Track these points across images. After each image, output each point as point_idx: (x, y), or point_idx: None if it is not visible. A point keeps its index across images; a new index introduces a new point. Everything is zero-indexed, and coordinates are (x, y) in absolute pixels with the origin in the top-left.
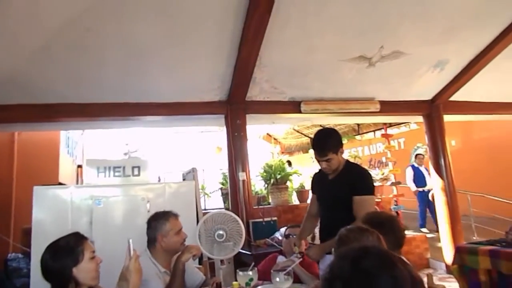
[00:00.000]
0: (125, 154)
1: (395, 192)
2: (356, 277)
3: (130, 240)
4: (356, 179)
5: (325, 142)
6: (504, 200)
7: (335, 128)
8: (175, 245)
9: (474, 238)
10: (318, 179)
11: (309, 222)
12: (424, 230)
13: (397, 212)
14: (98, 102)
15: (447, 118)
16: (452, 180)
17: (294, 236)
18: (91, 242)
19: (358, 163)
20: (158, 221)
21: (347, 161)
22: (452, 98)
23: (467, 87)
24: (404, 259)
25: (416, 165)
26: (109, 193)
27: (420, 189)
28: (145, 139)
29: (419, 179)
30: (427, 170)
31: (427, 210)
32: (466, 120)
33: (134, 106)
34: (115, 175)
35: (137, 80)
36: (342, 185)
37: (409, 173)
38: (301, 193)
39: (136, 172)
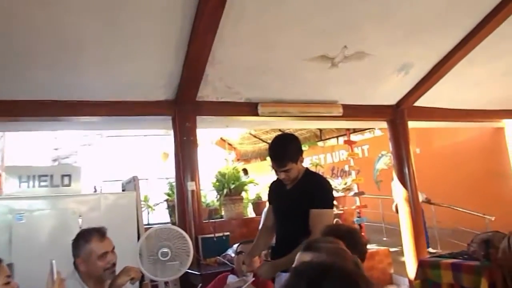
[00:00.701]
0: (54, 160)
1: (358, 203)
2: None
3: (53, 262)
4: (314, 190)
5: (284, 150)
6: (468, 211)
7: (296, 133)
8: (96, 271)
9: (436, 251)
10: (275, 188)
11: (263, 237)
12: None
13: (359, 225)
14: (22, 99)
15: (411, 124)
16: (415, 190)
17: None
18: (6, 266)
19: (319, 172)
20: (78, 242)
21: (307, 169)
22: (417, 104)
23: (431, 93)
24: (367, 277)
25: None
26: (33, 206)
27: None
28: (78, 143)
29: None
30: None
31: None
32: (430, 127)
33: (65, 104)
34: (41, 185)
35: (69, 75)
36: (299, 196)
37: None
38: (257, 204)
39: (66, 182)
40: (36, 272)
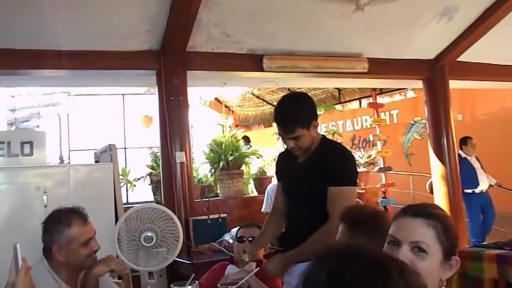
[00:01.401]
0: (10, 124)
1: (383, 181)
2: None
3: (18, 246)
4: (333, 163)
5: (292, 112)
6: None
7: (308, 93)
8: (78, 260)
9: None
10: (284, 162)
11: (273, 222)
12: None
13: (385, 207)
14: None
15: (452, 84)
16: (456, 166)
17: (250, 240)
18: None
19: (338, 141)
20: (55, 226)
21: (323, 137)
22: (460, 59)
23: (479, 46)
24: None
25: (463, 154)
26: None
27: (469, 191)
28: (40, 103)
29: (468, 175)
30: (479, 161)
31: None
32: (475, 88)
33: (24, 54)
34: None
35: (30, 19)
36: (314, 171)
37: None
38: (260, 181)
39: (27, 150)
40: None
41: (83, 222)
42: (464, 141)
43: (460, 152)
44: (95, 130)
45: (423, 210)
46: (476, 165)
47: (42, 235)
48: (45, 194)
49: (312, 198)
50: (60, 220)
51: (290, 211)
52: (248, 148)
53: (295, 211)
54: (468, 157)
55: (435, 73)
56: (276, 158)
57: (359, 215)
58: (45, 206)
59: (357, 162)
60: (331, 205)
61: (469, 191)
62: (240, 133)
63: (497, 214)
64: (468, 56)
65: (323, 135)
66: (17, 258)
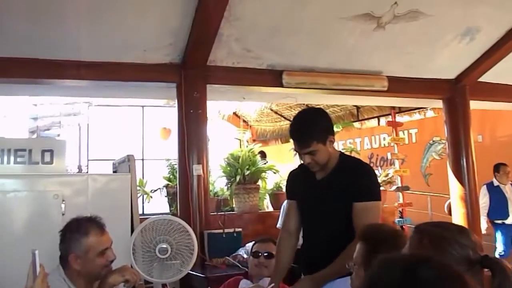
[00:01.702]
0: (32, 132)
1: (401, 201)
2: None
3: (36, 252)
4: (357, 178)
5: (308, 126)
6: None
7: (326, 110)
8: (94, 270)
9: None
10: (299, 179)
11: (286, 250)
12: None
13: (402, 227)
14: None
15: (473, 105)
16: (475, 186)
17: (266, 255)
18: None
19: (356, 157)
20: (73, 235)
21: (341, 153)
22: (482, 79)
23: (501, 66)
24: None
25: (496, 182)
26: (7, 186)
27: (499, 221)
28: (61, 113)
29: (498, 205)
30: None
31: None
32: (497, 109)
33: (47, 64)
34: (17, 162)
35: (53, 29)
36: (337, 187)
37: (482, 196)
38: (276, 196)
39: (47, 159)
40: (7, 265)
41: (100, 231)
42: (497, 168)
43: (493, 180)
44: (114, 141)
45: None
46: (509, 194)
47: (60, 243)
48: (63, 202)
49: (335, 216)
50: (78, 229)
51: (310, 230)
52: (264, 163)
53: (315, 230)
54: (501, 186)
55: (456, 93)
56: (289, 174)
57: (378, 234)
58: (63, 214)
59: None
60: (358, 221)
61: (499, 221)
62: (257, 147)
63: None
64: (489, 76)
65: (340, 151)
66: (35, 264)
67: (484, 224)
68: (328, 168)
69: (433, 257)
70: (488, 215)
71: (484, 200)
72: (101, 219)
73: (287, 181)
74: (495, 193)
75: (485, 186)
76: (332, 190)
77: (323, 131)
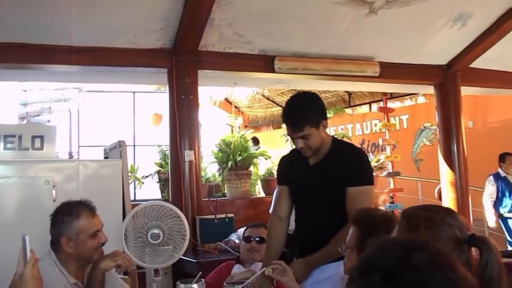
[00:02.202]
0: (22, 118)
1: (391, 186)
2: (402, 271)
3: (27, 237)
4: (350, 163)
5: (301, 110)
6: None
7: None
8: (86, 252)
9: None
10: (291, 165)
11: (277, 235)
12: None
13: (392, 212)
14: None
15: (464, 90)
16: (465, 172)
17: (258, 240)
18: None
19: (349, 141)
20: (64, 217)
21: (334, 138)
22: (473, 65)
23: (493, 52)
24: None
25: (503, 173)
26: None
27: (510, 215)
28: (52, 98)
29: (506, 196)
30: None
31: None
32: (488, 95)
33: (37, 49)
34: (7, 148)
35: (43, 14)
36: (331, 172)
37: (490, 186)
38: (268, 182)
39: (37, 144)
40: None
41: (91, 214)
42: (502, 158)
43: (499, 170)
44: (105, 127)
45: None
46: None
47: (51, 227)
48: (54, 188)
49: (328, 201)
50: (70, 212)
51: (303, 215)
52: (257, 149)
53: (309, 215)
54: (509, 176)
55: (447, 79)
56: (280, 160)
57: (371, 218)
58: (54, 200)
59: None
60: (351, 206)
61: (510, 215)
62: (249, 133)
63: None
64: (481, 62)
65: (333, 136)
66: (26, 250)
67: (492, 217)
68: (320, 153)
69: (429, 243)
70: (494, 206)
71: (491, 190)
72: (91, 202)
73: (278, 166)
74: (502, 184)
75: (491, 176)
76: (325, 175)
77: (316, 115)
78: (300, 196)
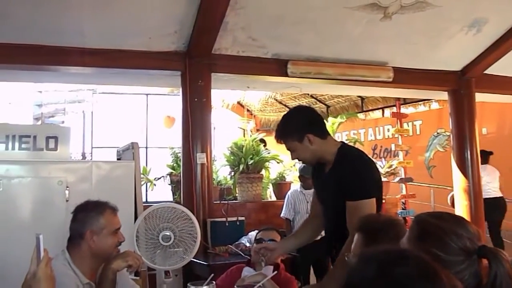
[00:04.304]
0: (36, 119)
1: (404, 192)
2: (382, 286)
3: (40, 236)
4: (348, 176)
5: (283, 124)
6: None
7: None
8: (107, 248)
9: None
10: (316, 170)
11: (306, 227)
12: None
13: (404, 219)
14: None
15: (479, 97)
16: (478, 179)
17: (269, 242)
18: None
19: (355, 148)
20: (89, 213)
21: (341, 147)
22: (488, 71)
23: (508, 59)
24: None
25: None
26: (12, 172)
27: None
28: (66, 100)
29: None
30: None
31: None
32: (502, 102)
33: (51, 50)
34: (22, 148)
35: (57, 15)
36: (334, 183)
37: None
38: (279, 186)
39: (51, 145)
40: (11, 249)
41: (113, 212)
42: None
43: None
44: (118, 129)
45: None
46: None
47: (71, 223)
48: (67, 189)
49: (334, 209)
50: (94, 208)
51: (324, 219)
52: (268, 153)
53: (326, 221)
54: None
55: (462, 85)
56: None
57: (375, 223)
58: (67, 201)
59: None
60: (349, 219)
61: None
62: (256, 135)
63: None
64: (495, 69)
65: (342, 142)
66: (39, 248)
67: None
68: (329, 162)
69: (412, 253)
70: None
71: None
72: (111, 203)
73: (312, 169)
74: None
75: None
76: (330, 186)
77: (297, 130)
78: (319, 201)
